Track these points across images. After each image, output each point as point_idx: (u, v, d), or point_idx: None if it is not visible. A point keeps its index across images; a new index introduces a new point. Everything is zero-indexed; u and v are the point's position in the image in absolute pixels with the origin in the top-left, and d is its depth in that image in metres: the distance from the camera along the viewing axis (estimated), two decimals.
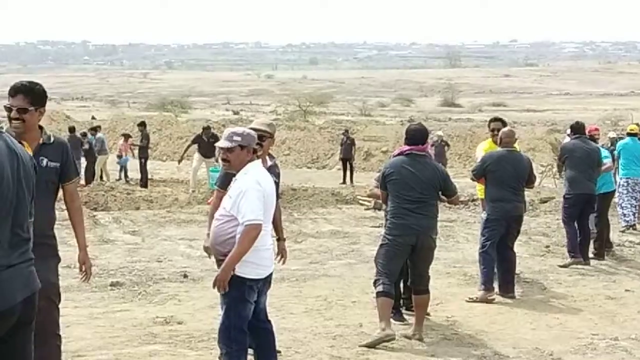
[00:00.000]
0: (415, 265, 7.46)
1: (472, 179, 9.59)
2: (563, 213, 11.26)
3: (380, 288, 7.25)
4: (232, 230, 5.45)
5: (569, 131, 11.61)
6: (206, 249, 6.09)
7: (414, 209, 7.23)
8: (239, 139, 5.58)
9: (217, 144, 5.79)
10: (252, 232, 5.38)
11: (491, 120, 10.00)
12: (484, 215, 9.10)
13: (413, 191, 7.23)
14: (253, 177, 5.53)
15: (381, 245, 7.41)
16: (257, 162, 5.72)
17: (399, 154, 7.44)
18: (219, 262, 5.61)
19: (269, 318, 5.90)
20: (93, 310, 8.25)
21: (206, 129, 22.18)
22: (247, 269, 5.48)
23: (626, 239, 12.93)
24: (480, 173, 9.12)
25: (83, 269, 5.52)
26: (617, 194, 13.31)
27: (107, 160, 24.56)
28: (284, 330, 7.25)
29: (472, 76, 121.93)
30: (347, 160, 26.66)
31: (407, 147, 7.34)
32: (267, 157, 6.37)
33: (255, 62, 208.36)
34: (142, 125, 24.81)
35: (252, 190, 5.45)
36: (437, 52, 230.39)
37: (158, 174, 27.44)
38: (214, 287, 5.49)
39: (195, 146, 21.70)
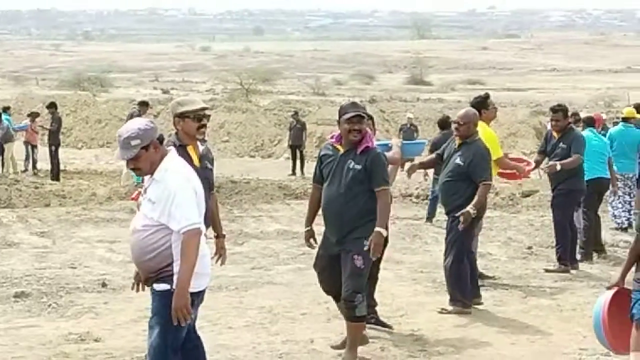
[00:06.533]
0: None
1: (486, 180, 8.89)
2: (566, 212, 11.13)
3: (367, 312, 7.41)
4: (166, 241, 5.42)
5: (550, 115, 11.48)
6: None
7: None
8: (137, 142, 5.42)
9: (117, 157, 5.57)
10: (195, 238, 5.39)
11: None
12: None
13: None
14: (177, 174, 5.48)
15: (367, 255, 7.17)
16: (172, 154, 5.60)
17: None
18: (147, 280, 5.58)
19: (199, 333, 5.88)
20: None
21: (142, 105, 20.94)
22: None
23: (620, 239, 13.07)
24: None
25: None
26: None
27: (14, 148, 24.29)
28: (221, 348, 7.26)
29: (443, 49, 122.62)
30: (296, 147, 26.72)
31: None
32: (197, 142, 6.36)
33: (188, 31, 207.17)
34: (53, 106, 24.57)
35: (181, 191, 5.41)
36: (402, 20, 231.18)
37: (72, 164, 27.25)
38: (176, 320, 5.37)
39: None
